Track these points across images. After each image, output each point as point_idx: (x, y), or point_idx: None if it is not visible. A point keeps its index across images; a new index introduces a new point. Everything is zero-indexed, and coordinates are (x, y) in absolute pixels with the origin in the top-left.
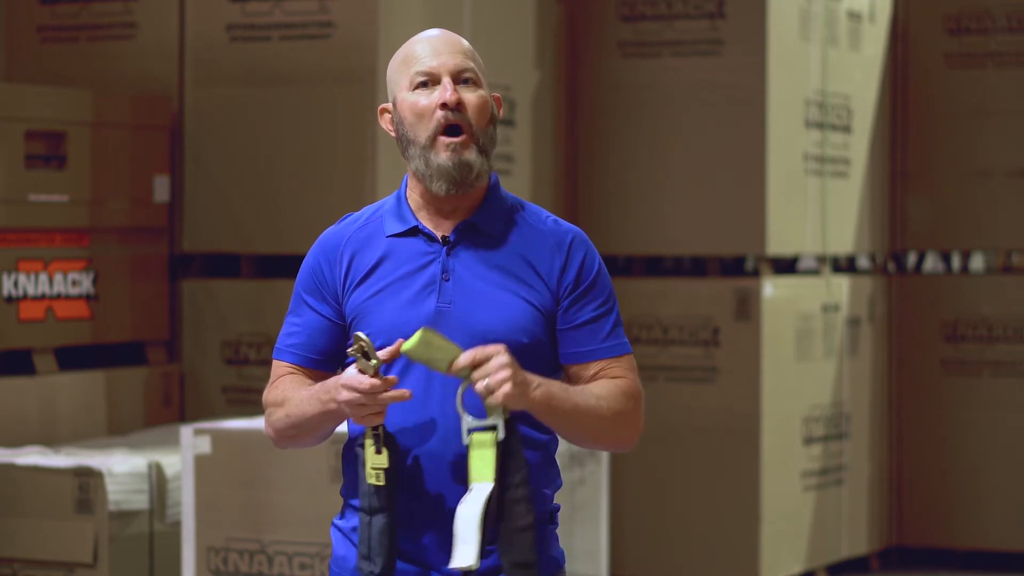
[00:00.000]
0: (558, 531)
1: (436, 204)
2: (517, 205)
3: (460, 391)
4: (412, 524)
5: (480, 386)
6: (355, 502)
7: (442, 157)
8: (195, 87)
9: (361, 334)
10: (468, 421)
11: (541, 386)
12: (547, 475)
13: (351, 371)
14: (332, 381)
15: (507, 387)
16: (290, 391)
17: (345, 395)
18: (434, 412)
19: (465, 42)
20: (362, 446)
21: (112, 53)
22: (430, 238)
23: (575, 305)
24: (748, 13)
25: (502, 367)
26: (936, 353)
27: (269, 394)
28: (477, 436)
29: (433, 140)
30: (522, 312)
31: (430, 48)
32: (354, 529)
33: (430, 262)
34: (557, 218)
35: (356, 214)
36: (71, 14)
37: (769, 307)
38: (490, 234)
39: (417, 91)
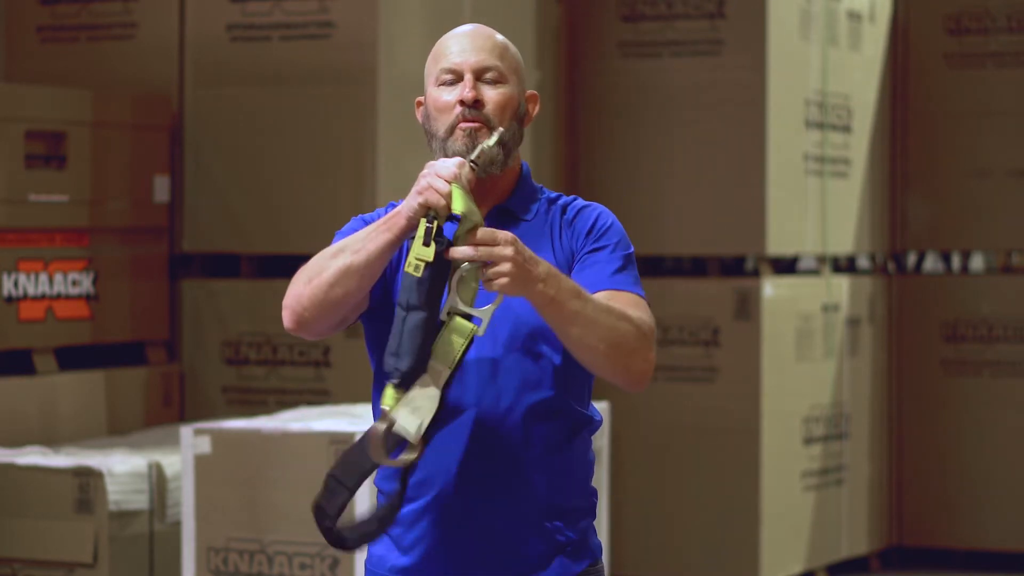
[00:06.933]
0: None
1: None
2: (543, 190)
3: (454, 278)
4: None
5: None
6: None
7: (458, 143)
8: (195, 87)
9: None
10: (456, 302)
11: (547, 280)
12: (588, 460)
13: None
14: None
15: (506, 271)
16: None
17: (439, 182)
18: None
19: (499, 38)
20: (411, 238)
21: (112, 53)
22: None
23: (588, 251)
24: (748, 13)
25: (505, 258)
26: (936, 353)
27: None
28: (458, 321)
29: (451, 132)
30: None
31: (458, 45)
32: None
33: None
34: (577, 196)
35: (381, 208)
36: (71, 14)
37: (769, 307)
38: (523, 218)
39: (441, 87)
